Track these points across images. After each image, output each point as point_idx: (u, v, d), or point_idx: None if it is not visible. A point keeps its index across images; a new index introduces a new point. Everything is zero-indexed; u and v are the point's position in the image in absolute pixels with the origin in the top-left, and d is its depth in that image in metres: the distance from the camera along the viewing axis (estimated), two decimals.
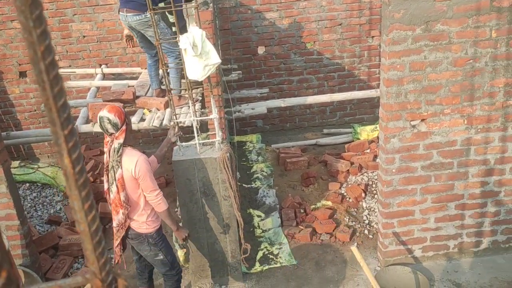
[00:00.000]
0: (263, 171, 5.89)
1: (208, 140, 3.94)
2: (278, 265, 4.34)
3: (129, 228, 3.39)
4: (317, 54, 6.83)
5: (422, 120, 3.73)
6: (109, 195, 3.34)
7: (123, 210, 3.28)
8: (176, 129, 3.75)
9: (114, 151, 3.24)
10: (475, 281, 3.94)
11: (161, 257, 3.47)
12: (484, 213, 4.05)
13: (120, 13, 4.36)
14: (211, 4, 3.95)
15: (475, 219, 4.07)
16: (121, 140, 3.22)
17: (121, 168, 3.23)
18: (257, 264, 4.37)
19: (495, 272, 4.01)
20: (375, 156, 5.67)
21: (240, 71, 6.09)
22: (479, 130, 3.76)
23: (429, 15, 3.41)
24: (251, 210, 5.10)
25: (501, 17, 3.44)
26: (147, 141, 7.03)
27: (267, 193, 5.37)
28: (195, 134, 3.82)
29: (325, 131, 7.07)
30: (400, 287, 3.89)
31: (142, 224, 3.40)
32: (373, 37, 6.73)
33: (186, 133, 4.10)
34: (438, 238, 4.14)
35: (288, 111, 7.13)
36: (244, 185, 5.42)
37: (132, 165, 3.22)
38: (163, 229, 3.62)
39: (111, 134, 3.24)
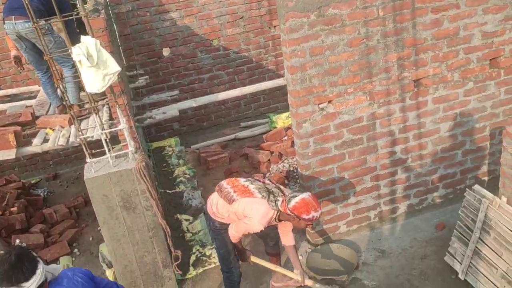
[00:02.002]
0: (186, 173, 5.80)
1: (120, 152, 3.78)
2: (213, 265, 4.30)
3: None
4: (223, 49, 6.84)
5: (329, 101, 3.87)
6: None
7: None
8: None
9: (270, 192, 3.30)
10: (397, 245, 4.19)
11: (215, 245, 3.64)
12: (396, 180, 4.31)
13: (6, 22, 4.02)
14: (102, 11, 3.77)
15: (389, 187, 4.32)
16: (279, 204, 3.26)
17: (252, 201, 3.28)
18: (191, 268, 4.30)
19: (414, 233, 4.29)
20: (293, 142, 5.80)
21: (147, 76, 5.92)
22: (381, 104, 3.98)
23: (320, 1, 3.53)
24: (178, 215, 5.01)
25: None
26: (58, 161, 6.62)
27: (192, 196, 5.30)
28: (106, 148, 3.65)
29: (243, 124, 7.13)
30: (331, 264, 4.04)
31: (215, 213, 3.48)
32: (275, 26, 6.87)
33: (96, 148, 3.90)
34: (359, 211, 4.35)
35: (203, 110, 7.08)
36: (167, 191, 5.30)
37: (248, 211, 3.26)
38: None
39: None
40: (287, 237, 3.58)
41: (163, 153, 6.52)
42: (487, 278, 3.40)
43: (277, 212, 3.27)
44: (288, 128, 6.29)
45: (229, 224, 3.46)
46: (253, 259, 3.65)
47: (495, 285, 3.32)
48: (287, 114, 6.75)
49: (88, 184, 3.61)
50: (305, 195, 3.21)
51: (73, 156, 6.59)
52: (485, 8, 3.86)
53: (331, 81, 3.79)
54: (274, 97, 7.28)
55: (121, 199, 3.69)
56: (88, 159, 3.62)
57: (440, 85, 4.04)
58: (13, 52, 4.45)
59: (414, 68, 3.92)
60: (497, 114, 4.31)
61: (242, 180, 3.44)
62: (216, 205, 3.47)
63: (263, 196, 3.27)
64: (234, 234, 3.42)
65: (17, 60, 4.47)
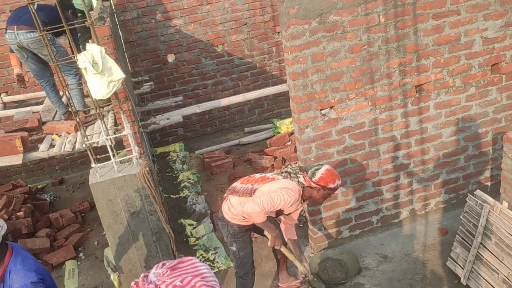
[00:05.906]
0: (190, 179, 5.85)
1: (125, 157, 3.84)
2: (216, 270, 4.34)
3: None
4: (227, 55, 6.90)
5: (331, 107, 3.91)
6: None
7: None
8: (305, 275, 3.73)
9: (289, 173, 3.45)
10: (399, 249, 4.20)
11: (234, 249, 3.56)
12: (399, 185, 4.33)
13: (8, 31, 4.04)
14: (107, 19, 3.84)
15: (391, 192, 4.34)
16: (301, 179, 3.39)
17: (275, 182, 3.37)
18: None
19: (416, 238, 4.31)
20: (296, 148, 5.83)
21: (152, 82, 6.00)
22: (382, 109, 4.01)
23: (321, 8, 3.57)
24: (182, 220, 5.05)
25: (387, 3, 3.68)
26: (64, 166, 6.70)
27: (196, 201, 5.34)
28: (110, 153, 3.71)
29: (246, 129, 7.17)
30: (333, 268, 4.05)
31: (233, 215, 3.45)
32: (278, 32, 6.92)
33: (102, 153, 3.96)
34: (362, 216, 4.37)
35: (207, 115, 7.14)
36: (171, 196, 5.35)
37: (278, 185, 3.31)
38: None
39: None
40: (290, 231, 3.72)
41: (168, 158, 6.58)
42: (488, 283, 3.41)
43: (302, 189, 3.40)
44: (292, 133, 6.32)
45: (248, 225, 3.49)
46: (283, 250, 3.64)
47: None
48: (290, 119, 6.79)
49: (93, 189, 3.67)
50: (327, 166, 3.45)
51: (79, 161, 6.67)
52: (485, 15, 3.89)
53: (332, 87, 3.83)
54: (277, 102, 7.33)
55: (125, 203, 3.74)
56: (93, 164, 3.69)
57: (441, 91, 4.07)
58: (16, 70, 4.44)
59: (415, 73, 3.95)
60: (499, 120, 4.32)
61: (257, 175, 3.59)
62: (232, 206, 3.46)
63: (284, 176, 3.43)
64: (256, 209, 3.23)
65: (20, 78, 4.47)
